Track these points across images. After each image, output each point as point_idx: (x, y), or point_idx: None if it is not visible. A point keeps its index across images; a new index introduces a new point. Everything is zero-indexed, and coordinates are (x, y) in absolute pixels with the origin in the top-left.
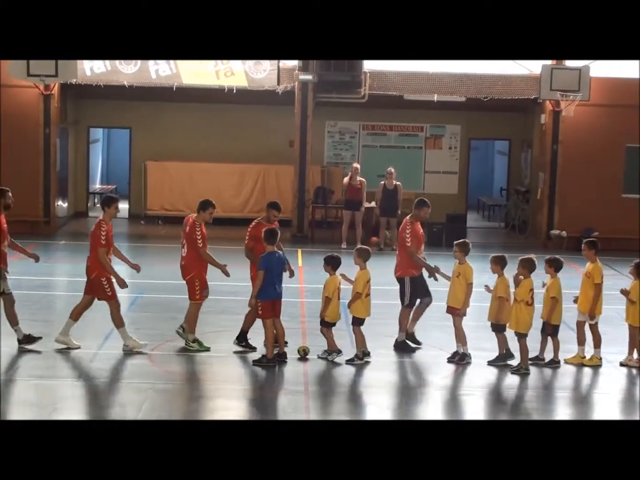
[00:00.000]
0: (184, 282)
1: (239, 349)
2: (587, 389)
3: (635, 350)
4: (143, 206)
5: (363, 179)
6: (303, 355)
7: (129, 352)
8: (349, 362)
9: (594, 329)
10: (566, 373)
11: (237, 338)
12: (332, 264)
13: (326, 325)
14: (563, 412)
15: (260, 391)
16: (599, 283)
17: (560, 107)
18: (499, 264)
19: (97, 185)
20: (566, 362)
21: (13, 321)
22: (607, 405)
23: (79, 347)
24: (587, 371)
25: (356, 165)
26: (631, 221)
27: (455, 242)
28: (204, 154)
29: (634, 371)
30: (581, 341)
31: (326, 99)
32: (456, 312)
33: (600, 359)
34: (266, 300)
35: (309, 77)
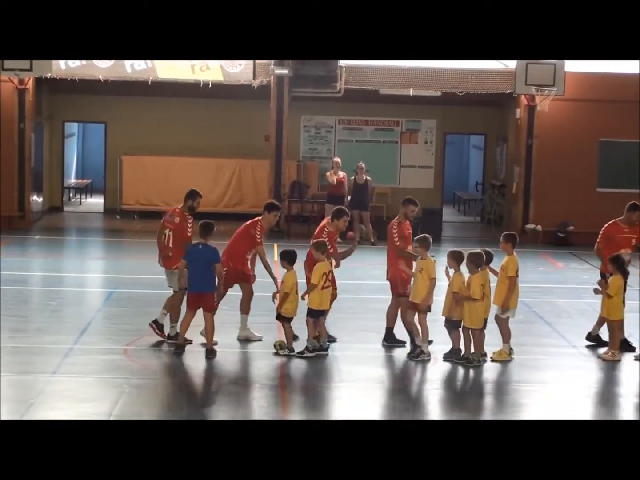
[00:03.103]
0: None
1: (387, 345)
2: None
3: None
4: (118, 201)
5: (344, 173)
6: (279, 350)
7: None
8: (300, 354)
9: (503, 323)
10: (526, 366)
11: (385, 339)
12: (287, 258)
13: (283, 320)
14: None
15: (234, 386)
16: (513, 276)
17: (535, 102)
18: (455, 259)
19: (72, 180)
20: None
21: None
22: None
23: (260, 339)
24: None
25: (337, 159)
26: (606, 215)
27: (415, 238)
28: (179, 149)
29: (608, 364)
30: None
31: (302, 94)
32: (417, 307)
33: (509, 353)
34: (191, 292)
35: (284, 71)
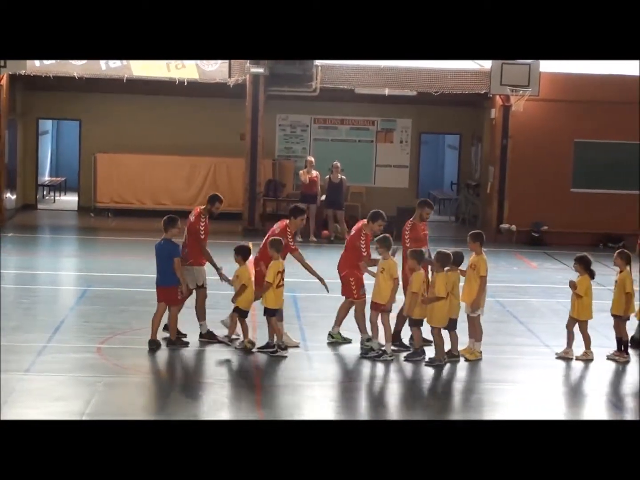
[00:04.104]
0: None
1: (395, 348)
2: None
3: (571, 344)
4: (93, 198)
5: (317, 172)
6: (249, 348)
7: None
8: (260, 349)
9: (474, 321)
10: (495, 366)
11: (393, 343)
12: (241, 253)
13: (239, 313)
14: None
15: (202, 384)
16: (484, 275)
17: (510, 102)
18: (415, 258)
19: (46, 178)
20: (463, 358)
21: None
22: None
23: (297, 345)
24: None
25: (311, 158)
26: (580, 215)
27: (376, 239)
28: (154, 147)
29: (580, 364)
30: (472, 335)
31: (277, 92)
32: (380, 307)
33: (480, 352)
34: (156, 287)
35: (260, 70)
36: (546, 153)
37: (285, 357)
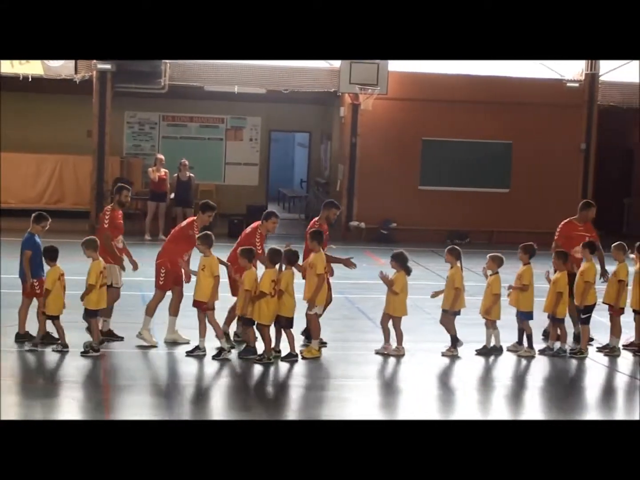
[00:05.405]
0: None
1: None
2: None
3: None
4: None
5: (166, 170)
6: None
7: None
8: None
9: (313, 319)
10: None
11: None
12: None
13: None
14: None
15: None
16: (322, 273)
17: (359, 101)
18: (245, 257)
19: None
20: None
21: None
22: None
23: (188, 342)
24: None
25: (160, 156)
26: (428, 213)
27: (197, 235)
28: None
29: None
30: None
31: (125, 89)
32: (202, 306)
33: (320, 350)
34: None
35: (107, 66)
36: (395, 151)
37: (99, 356)
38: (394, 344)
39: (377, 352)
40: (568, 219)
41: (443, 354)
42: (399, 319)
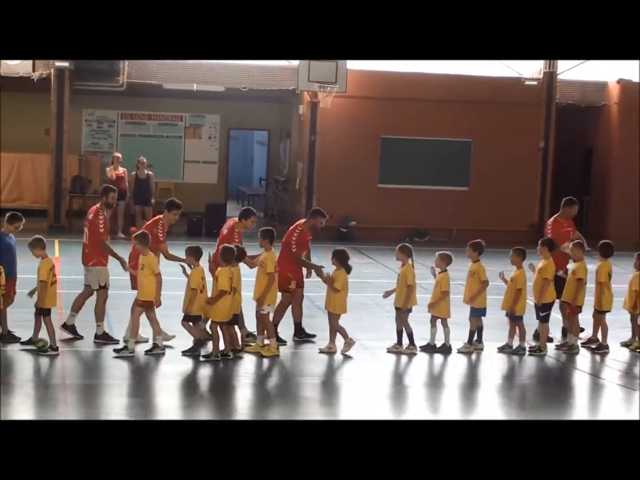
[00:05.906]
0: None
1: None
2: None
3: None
4: None
5: (124, 169)
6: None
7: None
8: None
9: (264, 318)
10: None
11: (295, 334)
12: (194, 254)
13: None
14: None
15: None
16: (272, 272)
17: (318, 99)
18: (192, 255)
19: None
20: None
21: None
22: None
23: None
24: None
25: (117, 154)
26: (387, 211)
27: (134, 235)
28: None
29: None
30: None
31: (84, 87)
32: (147, 305)
33: (278, 348)
34: (10, 279)
35: (65, 64)
36: (354, 149)
37: (57, 355)
38: (341, 341)
39: (321, 351)
40: (553, 218)
41: (388, 350)
42: (338, 316)
